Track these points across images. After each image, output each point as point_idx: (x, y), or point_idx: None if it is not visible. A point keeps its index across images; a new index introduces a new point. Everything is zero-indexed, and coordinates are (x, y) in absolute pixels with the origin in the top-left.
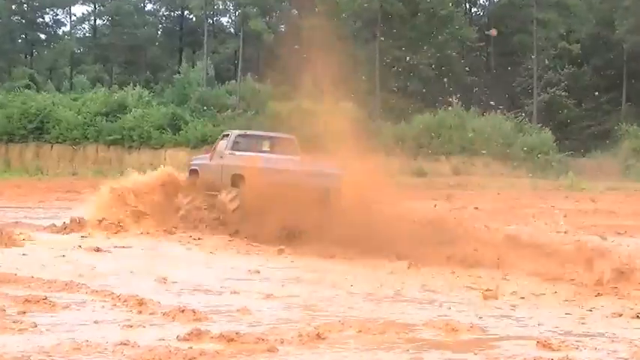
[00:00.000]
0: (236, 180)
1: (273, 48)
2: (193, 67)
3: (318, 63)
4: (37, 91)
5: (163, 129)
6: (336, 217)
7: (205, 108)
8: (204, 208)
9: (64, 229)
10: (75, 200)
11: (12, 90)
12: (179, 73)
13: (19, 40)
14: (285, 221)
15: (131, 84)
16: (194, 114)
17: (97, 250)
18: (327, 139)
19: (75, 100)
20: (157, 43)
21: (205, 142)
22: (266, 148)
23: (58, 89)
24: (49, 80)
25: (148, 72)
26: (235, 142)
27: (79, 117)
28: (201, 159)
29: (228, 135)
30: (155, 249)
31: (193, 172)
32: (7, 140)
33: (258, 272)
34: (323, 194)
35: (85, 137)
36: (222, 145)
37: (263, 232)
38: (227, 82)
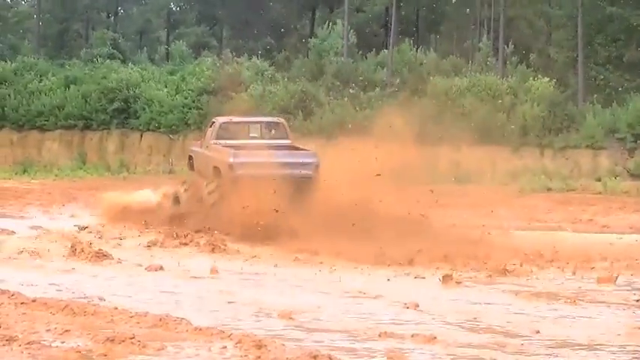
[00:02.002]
0: (216, 172)
1: (438, 5)
2: (330, 31)
3: (500, 25)
4: (123, 62)
5: (289, 113)
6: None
7: (345, 85)
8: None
9: (148, 246)
10: None
11: (90, 60)
12: (312, 37)
13: None
14: (260, 216)
15: (246, 53)
16: (331, 93)
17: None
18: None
19: (172, 74)
20: None
21: (344, 129)
22: (254, 134)
23: (150, 59)
24: (139, 48)
25: (268, 36)
26: (220, 131)
27: (177, 97)
28: (196, 146)
29: (214, 122)
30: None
31: (190, 159)
32: (84, 127)
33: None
34: (300, 184)
35: (185, 123)
36: (209, 133)
37: (238, 227)
38: (374, 51)
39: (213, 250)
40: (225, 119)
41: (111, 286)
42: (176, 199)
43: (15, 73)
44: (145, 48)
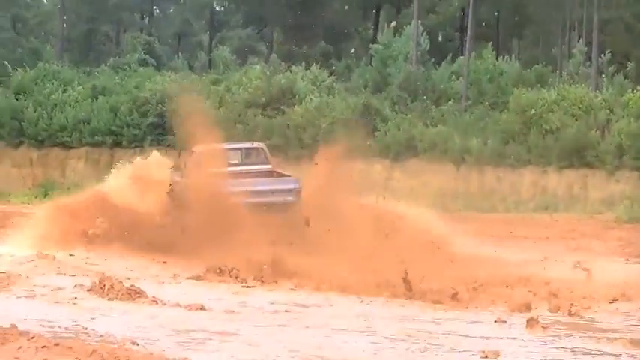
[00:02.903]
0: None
1: (521, 5)
2: (396, 35)
3: (593, 29)
4: (157, 70)
5: (349, 129)
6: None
7: (414, 98)
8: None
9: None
10: None
11: (120, 68)
12: (376, 42)
13: None
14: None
15: (303, 61)
16: (397, 107)
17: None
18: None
19: (215, 83)
20: None
21: (412, 148)
22: (234, 160)
23: (190, 67)
24: (176, 53)
25: (325, 41)
26: (198, 159)
27: (220, 110)
28: (178, 171)
29: (196, 152)
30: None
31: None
32: (113, 144)
33: None
34: (281, 210)
35: (230, 140)
36: (190, 161)
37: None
38: (449, 59)
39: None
40: (201, 148)
41: (146, 328)
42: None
43: (35, 82)
44: (184, 53)
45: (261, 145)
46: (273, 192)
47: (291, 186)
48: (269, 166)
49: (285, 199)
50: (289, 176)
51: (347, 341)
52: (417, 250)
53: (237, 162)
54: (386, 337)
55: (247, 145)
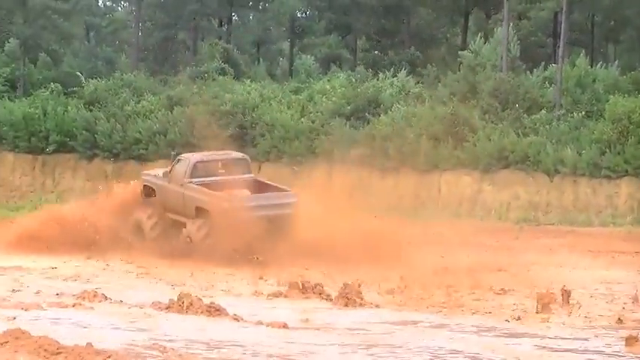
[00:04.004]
0: (200, 212)
1: (618, 9)
2: (486, 42)
3: None
4: (236, 78)
5: (437, 139)
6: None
7: (505, 106)
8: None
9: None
10: None
11: (198, 77)
12: (465, 49)
13: None
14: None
15: (388, 69)
16: (487, 116)
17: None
18: None
19: (297, 92)
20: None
21: (504, 159)
22: (221, 170)
23: (270, 75)
24: (257, 61)
25: (412, 47)
26: (194, 169)
27: (302, 120)
28: (156, 177)
29: (184, 160)
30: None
31: (148, 188)
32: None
33: None
34: (281, 222)
35: (312, 152)
36: (179, 170)
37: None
38: (542, 66)
39: (346, 304)
40: (197, 158)
41: (226, 347)
42: (138, 228)
43: (109, 93)
44: (264, 62)
45: (246, 156)
46: (277, 206)
47: (292, 200)
48: (252, 175)
49: (288, 212)
50: (289, 191)
51: None
52: None
53: (224, 171)
54: None
55: (234, 155)
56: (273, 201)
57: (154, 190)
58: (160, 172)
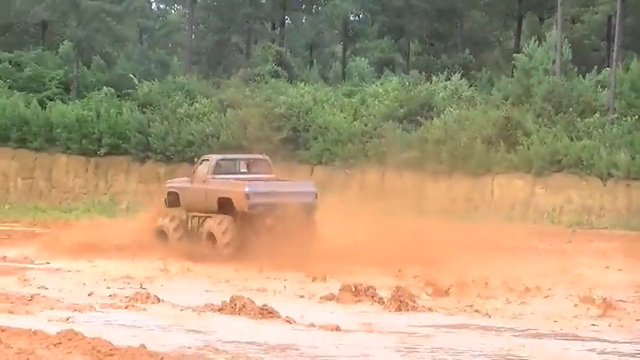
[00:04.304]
0: (223, 203)
1: None
2: (539, 45)
3: None
4: (289, 82)
5: (490, 143)
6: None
7: (558, 110)
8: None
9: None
10: None
11: (251, 80)
12: (518, 52)
13: (263, 0)
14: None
15: (441, 72)
16: (540, 119)
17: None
18: None
19: (349, 95)
20: (480, 3)
21: (557, 163)
22: (243, 169)
23: (323, 78)
24: (309, 64)
25: (465, 50)
26: (216, 167)
27: (355, 123)
28: (180, 182)
29: (207, 160)
30: None
31: (172, 195)
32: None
33: None
34: (305, 211)
35: (365, 155)
36: (202, 170)
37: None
38: (595, 70)
39: (399, 308)
40: (220, 156)
41: (278, 349)
42: (161, 233)
43: (162, 95)
44: (316, 65)
45: (267, 157)
46: (297, 194)
47: (312, 189)
48: (272, 176)
49: (308, 201)
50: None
51: None
52: None
53: (245, 170)
54: None
55: (254, 156)
56: (292, 189)
57: (177, 197)
58: (181, 179)
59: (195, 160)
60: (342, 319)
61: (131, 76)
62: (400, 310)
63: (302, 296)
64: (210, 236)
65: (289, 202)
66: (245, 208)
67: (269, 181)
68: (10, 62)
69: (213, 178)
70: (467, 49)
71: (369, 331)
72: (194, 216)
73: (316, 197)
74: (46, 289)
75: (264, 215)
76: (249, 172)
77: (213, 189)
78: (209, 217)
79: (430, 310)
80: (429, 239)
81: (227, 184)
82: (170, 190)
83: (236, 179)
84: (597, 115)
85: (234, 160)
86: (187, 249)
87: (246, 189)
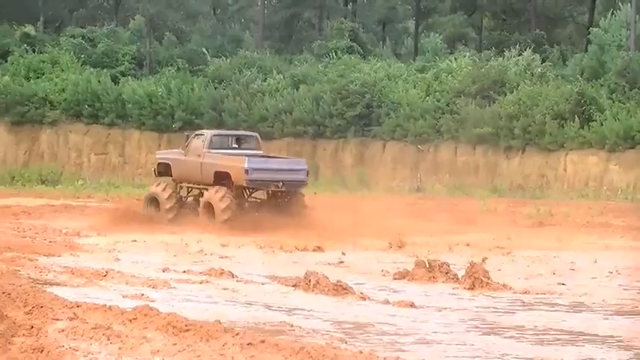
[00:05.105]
0: (220, 176)
1: None
2: (613, 18)
3: None
4: (363, 57)
5: (564, 118)
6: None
7: (633, 85)
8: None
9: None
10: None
11: (324, 55)
12: (594, 26)
13: None
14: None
15: (516, 46)
16: (614, 95)
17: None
18: None
19: (422, 71)
20: None
21: (631, 139)
22: (234, 144)
23: (395, 54)
24: (382, 40)
25: (538, 27)
26: (211, 142)
27: (428, 99)
28: (171, 153)
29: (201, 135)
30: None
31: (162, 165)
32: (315, 134)
33: None
34: (296, 187)
35: (437, 131)
36: (196, 144)
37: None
38: None
39: (473, 285)
40: (215, 131)
41: (352, 326)
42: (152, 201)
43: (235, 71)
44: (389, 40)
45: (256, 134)
46: (290, 171)
47: (303, 167)
48: (261, 152)
49: (300, 178)
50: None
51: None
52: None
53: (236, 146)
54: None
55: (245, 133)
56: (286, 166)
57: (168, 167)
58: (173, 151)
59: (185, 135)
60: (415, 296)
61: (204, 51)
62: (474, 287)
63: (379, 273)
64: (208, 206)
65: (283, 179)
66: (243, 182)
67: (266, 158)
68: (83, 38)
69: (209, 152)
70: (539, 25)
71: (443, 307)
72: (188, 187)
73: (307, 175)
74: (120, 263)
75: (260, 190)
76: (239, 148)
77: (209, 162)
78: (205, 189)
79: (505, 287)
80: None
81: (225, 159)
82: (161, 160)
83: (237, 154)
84: None
85: (227, 135)
86: (184, 218)
87: (246, 164)
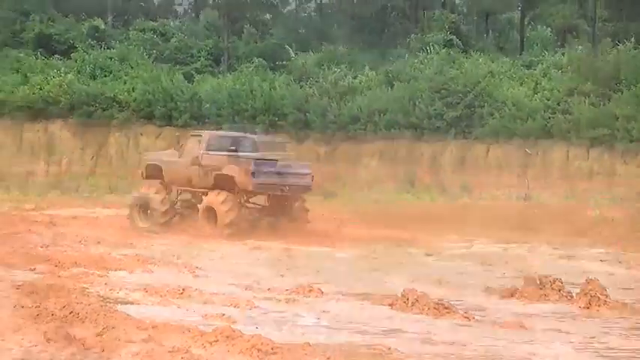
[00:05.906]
0: (221, 180)
1: None
2: None
3: None
4: (464, 52)
5: None
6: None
7: None
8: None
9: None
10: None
11: (421, 50)
12: None
13: None
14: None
15: (631, 38)
16: None
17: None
18: None
19: (529, 67)
20: None
21: None
22: (231, 147)
23: (500, 48)
24: (485, 33)
25: None
26: (209, 144)
27: (536, 97)
28: (162, 155)
29: (197, 136)
30: None
31: (152, 168)
32: (412, 137)
33: None
34: (301, 191)
35: (548, 132)
36: (193, 145)
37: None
38: None
39: (589, 304)
40: (212, 132)
41: (453, 348)
42: (143, 205)
43: (320, 67)
44: (492, 33)
45: (254, 136)
46: (296, 175)
47: (308, 171)
48: (260, 154)
49: (305, 182)
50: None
51: None
52: None
53: (233, 148)
54: None
55: (244, 134)
56: (291, 170)
57: (158, 170)
58: (165, 152)
59: (177, 136)
60: (525, 316)
61: (286, 46)
62: (590, 305)
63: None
64: (209, 211)
65: (289, 183)
66: (249, 186)
67: (272, 162)
68: (154, 32)
69: (207, 153)
70: None
71: (557, 329)
72: (179, 190)
73: (312, 179)
74: (200, 278)
75: (264, 194)
76: (237, 150)
77: (209, 165)
78: (203, 192)
79: (625, 306)
80: None
81: (229, 161)
82: (150, 162)
83: (238, 156)
84: None
85: (225, 137)
86: (177, 223)
87: (253, 168)
